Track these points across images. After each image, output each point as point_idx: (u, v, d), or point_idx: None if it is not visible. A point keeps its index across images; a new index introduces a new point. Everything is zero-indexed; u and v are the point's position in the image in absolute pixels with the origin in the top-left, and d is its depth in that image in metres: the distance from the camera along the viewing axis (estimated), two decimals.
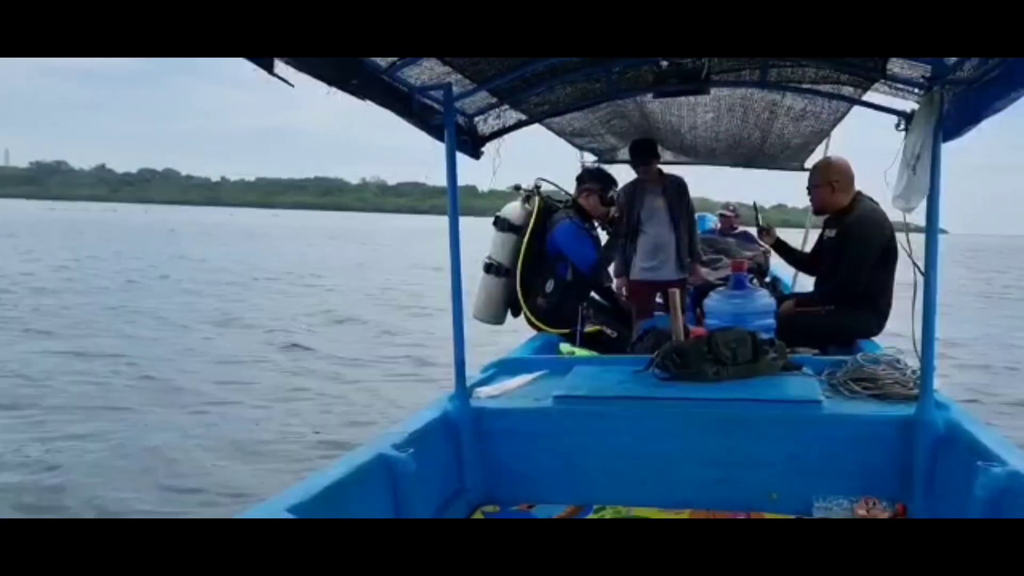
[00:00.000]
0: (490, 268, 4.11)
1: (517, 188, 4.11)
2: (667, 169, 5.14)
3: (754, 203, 5.12)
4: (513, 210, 4.11)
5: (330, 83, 2.16)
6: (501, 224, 4.11)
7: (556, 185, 4.24)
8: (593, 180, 4.30)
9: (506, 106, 3.15)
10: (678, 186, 4.95)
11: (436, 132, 2.78)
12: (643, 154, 4.78)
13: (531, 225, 4.01)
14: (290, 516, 1.72)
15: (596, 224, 4.39)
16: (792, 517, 2.45)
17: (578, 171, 4.83)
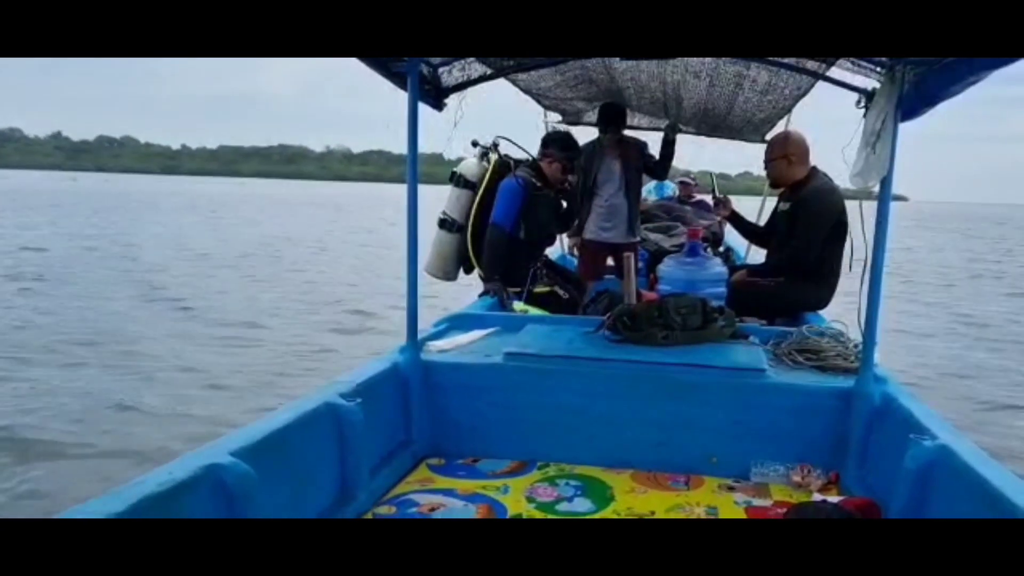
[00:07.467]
0: (444, 223, 4.09)
1: (475, 144, 4.07)
2: (632, 134, 5.13)
3: (711, 173, 5.17)
4: (470, 167, 4.08)
5: None
6: (457, 180, 4.08)
7: (516, 144, 4.19)
8: (559, 149, 4.25)
9: (471, 58, 3.09)
10: (638, 150, 4.95)
11: (399, 80, 2.72)
12: (611, 121, 4.76)
13: (485, 182, 3.99)
14: (232, 460, 1.70)
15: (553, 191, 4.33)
16: (729, 480, 2.52)
17: (542, 132, 4.77)
